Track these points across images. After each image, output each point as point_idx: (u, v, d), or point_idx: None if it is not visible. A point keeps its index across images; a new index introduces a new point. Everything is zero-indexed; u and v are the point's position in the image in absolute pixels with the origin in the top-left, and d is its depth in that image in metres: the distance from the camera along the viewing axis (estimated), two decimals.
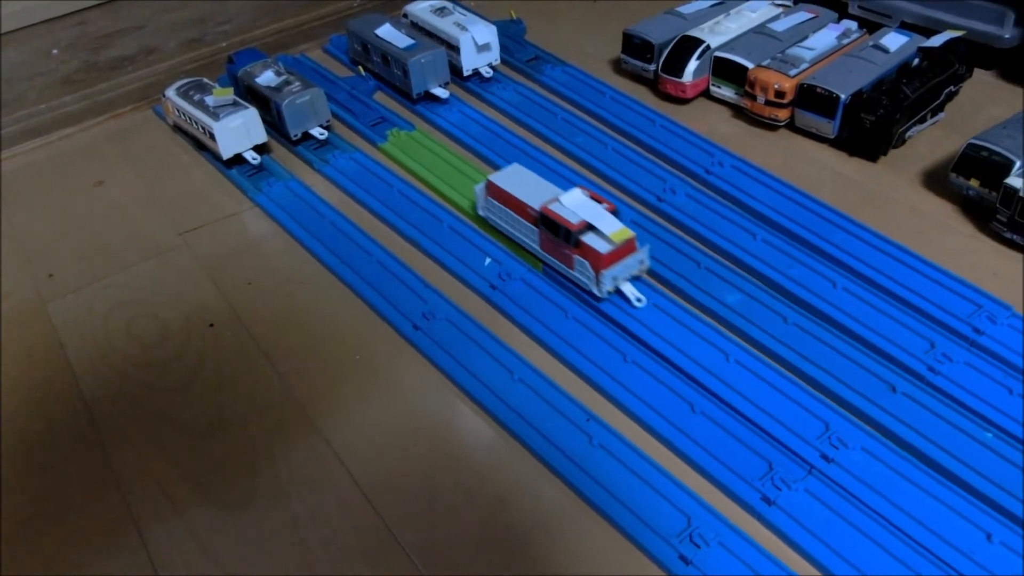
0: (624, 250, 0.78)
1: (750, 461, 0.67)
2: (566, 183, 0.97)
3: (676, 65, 1.07)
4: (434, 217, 0.94)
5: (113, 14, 1.52)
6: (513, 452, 0.71)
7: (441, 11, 1.17)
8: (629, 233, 0.77)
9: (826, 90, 0.96)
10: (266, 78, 1.06)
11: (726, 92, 1.08)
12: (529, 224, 0.83)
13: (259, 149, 1.05)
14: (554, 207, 0.79)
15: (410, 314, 0.82)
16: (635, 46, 1.12)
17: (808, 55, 1.02)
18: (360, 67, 1.21)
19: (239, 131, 1.01)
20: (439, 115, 1.11)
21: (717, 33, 1.09)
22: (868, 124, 0.95)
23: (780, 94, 1.00)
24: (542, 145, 1.06)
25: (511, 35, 1.26)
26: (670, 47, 1.09)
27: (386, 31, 1.13)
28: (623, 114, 1.08)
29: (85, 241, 0.98)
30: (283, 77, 1.05)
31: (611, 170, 0.99)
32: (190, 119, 1.05)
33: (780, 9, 1.15)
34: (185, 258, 0.94)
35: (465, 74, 1.15)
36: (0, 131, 1.18)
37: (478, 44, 1.13)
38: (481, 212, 0.90)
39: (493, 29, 1.14)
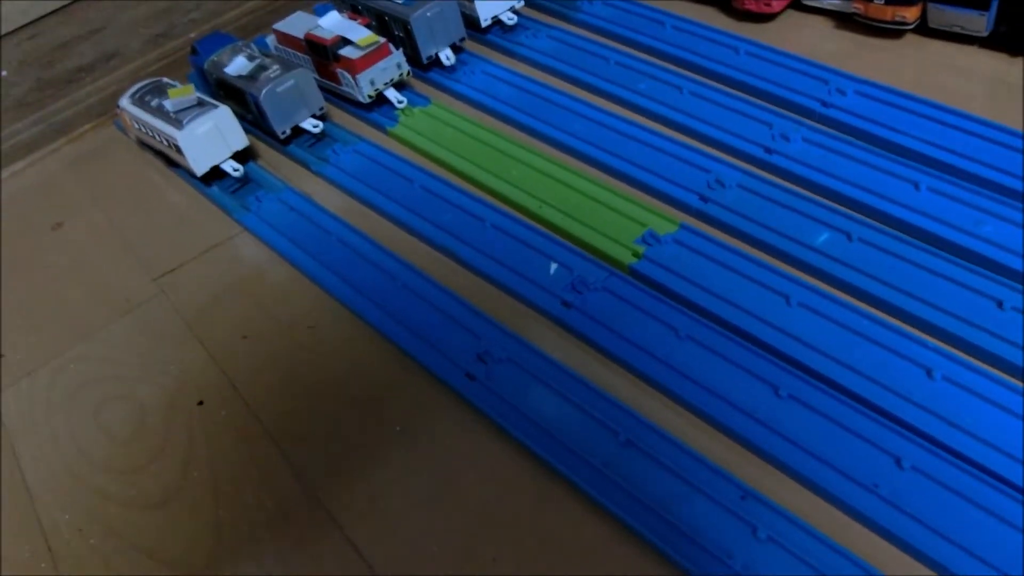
0: (376, 55, 0.81)
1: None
2: (640, 146, 0.74)
3: None
4: (473, 216, 0.72)
5: (68, 18, 1.32)
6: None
7: None
8: (376, 38, 0.82)
9: None
10: (237, 66, 0.83)
11: None
12: (306, 56, 0.86)
13: (242, 156, 0.83)
14: (315, 31, 0.83)
15: (460, 359, 0.60)
16: None
17: None
18: None
19: (211, 138, 0.80)
20: (458, 81, 0.88)
21: None
22: None
23: None
24: (596, 100, 0.82)
25: None
26: None
27: None
28: (694, 45, 0.83)
29: (42, 305, 0.78)
30: (257, 61, 0.83)
31: (696, 120, 0.75)
32: (151, 131, 0.83)
33: None
34: (163, 311, 0.73)
35: (483, 25, 0.91)
36: None
37: None
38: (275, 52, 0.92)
39: None
